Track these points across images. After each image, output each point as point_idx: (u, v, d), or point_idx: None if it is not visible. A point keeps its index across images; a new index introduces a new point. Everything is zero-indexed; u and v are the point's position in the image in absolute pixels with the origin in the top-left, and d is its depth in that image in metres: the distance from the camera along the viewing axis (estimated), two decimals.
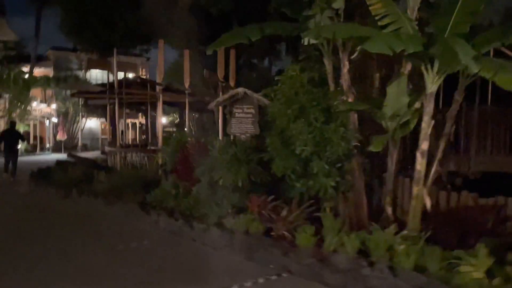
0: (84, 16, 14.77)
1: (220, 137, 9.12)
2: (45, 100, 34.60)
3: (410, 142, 7.56)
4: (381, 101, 5.78)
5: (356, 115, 6.08)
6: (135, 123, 36.99)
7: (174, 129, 29.96)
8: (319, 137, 5.85)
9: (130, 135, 32.94)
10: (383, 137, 5.58)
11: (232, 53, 11.75)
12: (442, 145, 5.86)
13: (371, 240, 5.27)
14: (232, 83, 11.61)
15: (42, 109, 32.43)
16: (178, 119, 29.46)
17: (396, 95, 5.55)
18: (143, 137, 29.15)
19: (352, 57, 4.45)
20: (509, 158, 9.41)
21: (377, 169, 6.85)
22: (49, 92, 34.29)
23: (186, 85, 11.87)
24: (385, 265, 4.53)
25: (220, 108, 9.85)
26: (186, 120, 12.40)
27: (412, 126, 5.79)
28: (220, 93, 10.89)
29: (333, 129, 5.70)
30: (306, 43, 5.52)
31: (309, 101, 6.05)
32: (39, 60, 35.75)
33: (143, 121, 34.02)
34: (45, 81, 28.90)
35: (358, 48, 4.39)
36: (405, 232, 5.50)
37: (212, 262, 5.62)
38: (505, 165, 9.34)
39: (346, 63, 5.91)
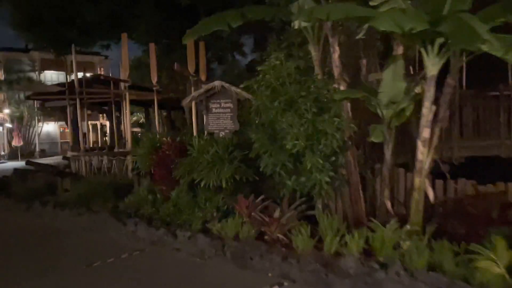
0: (37, 9, 13.48)
1: (194, 135, 8.49)
2: None
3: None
4: (375, 88, 5.40)
5: (349, 104, 5.66)
6: (96, 124, 35.45)
7: (140, 130, 28.83)
8: (312, 129, 5.37)
9: (91, 137, 31.50)
10: (381, 126, 5.19)
11: (202, 45, 11.10)
12: (437, 131, 5.54)
13: (375, 238, 4.90)
14: (203, 77, 10.97)
15: None
16: (143, 119, 28.30)
17: (392, 80, 5.19)
18: (105, 139, 27.85)
19: (357, 37, 4.04)
20: (490, 141, 9.36)
21: (370, 160, 6.50)
22: (1, 96, 32.18)
23: (154, 81, 11.12)
24: (400, 267, 4.13)
25: (193, 104, 9.21)
26: (156, 119, 11.66)
27: (408, 113, 5.44)
28: (192, 88, 10.23)
29: (328, 120, 5.24)
30: (296, 27, 5.05)
31: (298, 92, 5.56)
32: None
33: (105, 122, 32.62)
34: None
35: (365, 26, 3.95)
36: (407, 227, 5.16)
37: (202, 274, 5.05)
38: (487, 149, 9.30)
39: (337, 48, 5.48)
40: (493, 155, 9.11)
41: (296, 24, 5.08)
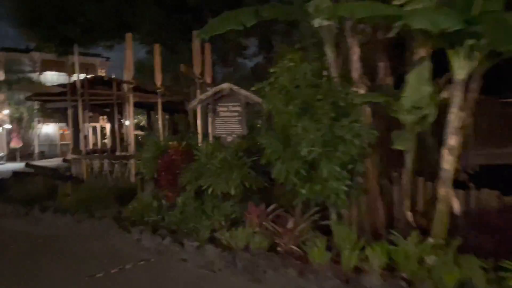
0: (39, 7, 13.15)
1: (199, 140, 8.19)
2: None
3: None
4: (397, 92, 5.10)
5: (369, 109, 5.36)
6: (96, 127, 35.14)
7: (141, 133, 28.50)
8: (329, 135, 5.06)
9: (91, 140, 31.20)
10: (405, 133, 4.89)
11: (207, 47, 10.83)
12: (461, 139, 5.25)
13: (398, 252, 4.60)
14: (208, 79, 10.68)
15: None
16: (145, 122, 27.96)
17: (417, 84, 4.88)
18: (104, 141, 27.53)
19: (387, 35, 3.76)
20: (505, 149, 9.07)
21: (387, 168, 6.19)
22: (0, 96, 31.86)
23: (158, 83, 10.81)
24: (430, 285, 3.82)
25: (199, 107, 8.91)
26: (160, 122, 11.34)
27: (431, 119, 5.13)
28: (197, 91, 9.93)
29: (347, 126, 4.93)
30: (317, 25, 4.76)
31: (314, 95, 5.26)
32: None
33: (105, 124, 32.31)
34: None
35: (397, 24, 3.67)
36: (430, 240, 4.86)
37: None
38: (502, 157, 9.00)
39: (356, 49, 5.19)
40: (509, 163, 8.81)
41: (316, 23, 4.79)
